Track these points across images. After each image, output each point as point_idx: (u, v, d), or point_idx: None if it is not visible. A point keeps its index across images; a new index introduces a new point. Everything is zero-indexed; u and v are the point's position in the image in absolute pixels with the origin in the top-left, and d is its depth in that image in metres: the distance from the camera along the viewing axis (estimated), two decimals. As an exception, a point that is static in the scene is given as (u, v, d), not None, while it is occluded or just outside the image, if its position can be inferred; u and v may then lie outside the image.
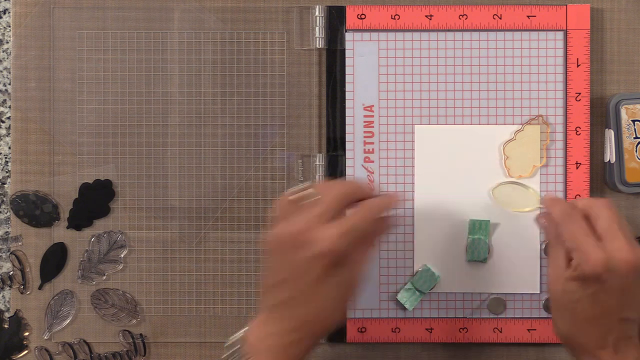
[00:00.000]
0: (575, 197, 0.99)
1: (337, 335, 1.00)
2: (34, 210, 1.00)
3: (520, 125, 0.99)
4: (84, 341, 1.01)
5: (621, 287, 0.85)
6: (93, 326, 1.01)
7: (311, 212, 0.84)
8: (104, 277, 1.01)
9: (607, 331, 0.86)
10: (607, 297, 0.85)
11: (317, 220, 0.84)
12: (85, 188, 1.01)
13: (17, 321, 1.01)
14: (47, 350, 1.01)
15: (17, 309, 1.01)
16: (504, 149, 0.99)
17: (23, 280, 1.01)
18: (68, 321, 1.01)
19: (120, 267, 1.00)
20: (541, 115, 0.99)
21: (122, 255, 1.00)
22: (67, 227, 1.01)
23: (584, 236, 0.85)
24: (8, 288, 1.01)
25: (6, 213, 1.01)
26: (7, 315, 1.01)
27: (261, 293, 0.87)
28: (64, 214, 1.01)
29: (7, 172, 1.01)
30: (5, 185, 1.01)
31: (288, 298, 0.84)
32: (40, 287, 1.01)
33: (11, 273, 1.01)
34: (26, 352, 1.01)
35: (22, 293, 1.01)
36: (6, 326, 1.01)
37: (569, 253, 0.87)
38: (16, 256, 1.01)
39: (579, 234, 0.85)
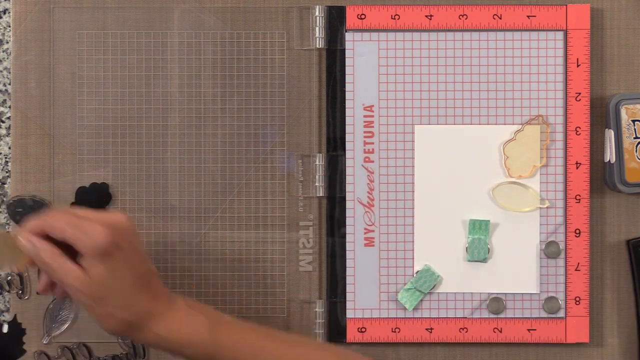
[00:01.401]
0: (576, 197, 0.99)
1: (337, 335, 1.00)
2: (31, 214, 1.00)
3: (520, 125, 0.99)
4: (84, 344, 1.01)
5: None
6: (92, 329, 1.01)
7: None
8: (103, 279, 1.01)
9: None
10: None
11: None
12: (81, 192, 1.00)
13: (16, 326, 1.00)
14: (46, 354, 1.01)
15: (15, 314, 1.01)
16: (504, 149, 1.00)
17: (21, 284, 1.01)
18: (67, 325, 1.01)
19: (120, 267, 1.00)
20: (541, 115, 0.99)
21: (121, 256, 1.00)
22: (65, 230, 1.01)
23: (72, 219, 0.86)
24: (6, 293, 1.01)
25: (5, 213, 1.01)
26: (5, 320, 1.01)
27: None
28: (63, 215, 1.00)
29: (7, 172, 1.01)
30: (5, 186, 1.01)
31: None
32: (38, 292, 1.01)
33: (9, 278, 1.01)
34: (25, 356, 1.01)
35: (20, 298, 1.01)
36: (5, 331, 1.00)
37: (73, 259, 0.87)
38: (14, 260, 1.01)
39: (69, 218, 0.86)
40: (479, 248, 0.99)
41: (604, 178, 1.00)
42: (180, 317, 0.88)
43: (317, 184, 1.00)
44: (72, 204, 1.00)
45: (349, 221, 1.00)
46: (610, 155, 0.98)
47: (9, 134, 1.01)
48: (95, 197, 1.00)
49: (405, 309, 0.99)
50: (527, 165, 0.99)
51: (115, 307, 0.86)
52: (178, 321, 0.87)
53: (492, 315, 1.00)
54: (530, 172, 0.99)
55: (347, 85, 1.00)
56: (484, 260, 0.99)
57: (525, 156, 0.99)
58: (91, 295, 0.85)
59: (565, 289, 0.99)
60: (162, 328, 0.87)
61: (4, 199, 1.01)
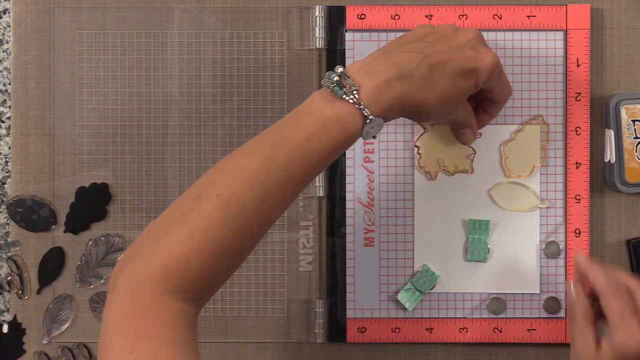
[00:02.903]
0: (576, 197, 0.99)
1: (337, 335, 1.00)
2: (31, 215, 1.00)
3: (520, 125, 0.99)
4: (84, 344, 1.01)
5: None
6: (92, 330, 1.01)
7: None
8: (102, 281, 1.01)
9: None
10: None
11: (482, 37, 0.89)
12: (81, 192, 1.00)
13: (16, 326, 1.00)
14: (46, 355, 1.01)
15: (15, 314, 1.01)
16: (503, 149, 0.99)
17: (21, 285, 1.01)
18: (67, 325, 1.01)
19: (119, 269, 1.00)
20: (541, 116, 0.99)
21: (119, 259, 1.00)
22: (65, 231, 1.01)
23: (631, 312, 0.85)
24: (6, 293, 1.01)
25: (5, 213, 1.01)
26: (5, 320, 1.01)
27: (383, 48, 0.87)
28: (62, 218, 1.00)
29: (7, 172, 1.01)
30: (5, 186, 1.01)
31: (422, 50, 0.86)
32: (38, 292, 1.01)
33: (9, 278, 1.01)
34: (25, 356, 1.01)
35: (20, 298, 1.01)
36: (5, 331, 1.00)
37: (596, 332, 0.87)
38: (14, 261, 1.00)
39: (626, 310, 0.85)
40: (479, 248, 0.99)
41: (604, 178, 1.00)
42: None
43: (317, 184, 1.00)
44: (72, 204, 1.00)
45: (348, 221, 1.00)
46: (610, 155, 0.98)
47: (9, 134, 1.01)
48: (95, 197, 1.00)
49: (405, 309, 0.99)
50: (526, 166, 0.99)
51: None
52: None
53: (492, 315, 1.00)
54: (530, 172, 0.99)
55: (347, 85, 1.00)
56: (484, 260, 0.99)
57: (525, 156, 0.99)
58: None
59: (565, 289, 0.99)
60: None
61: (4, 199, 1.01)
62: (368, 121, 0.82)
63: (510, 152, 0.99)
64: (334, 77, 0.82)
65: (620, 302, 0.85)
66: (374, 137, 0.88)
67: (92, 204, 1.00)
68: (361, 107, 0.82)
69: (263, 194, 0.80)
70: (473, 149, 0.99)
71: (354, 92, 0.82)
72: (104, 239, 1.00)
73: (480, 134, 0.98)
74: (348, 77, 0.83)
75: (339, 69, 0.83)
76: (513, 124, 1.00)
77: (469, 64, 0.86)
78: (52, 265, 1.01)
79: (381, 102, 0.83)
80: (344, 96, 0.82)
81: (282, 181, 0.81)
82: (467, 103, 0.92)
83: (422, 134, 0.99)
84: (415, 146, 0.99)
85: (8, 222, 1.01)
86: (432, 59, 0.85)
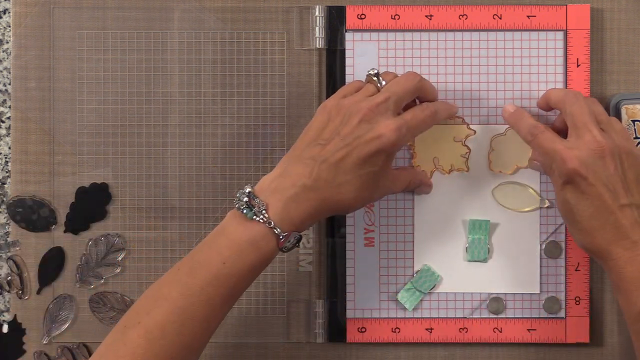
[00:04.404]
0: None
1: (337, 335, 1.00)
2: (31, 215, 1.00)
3: (520, 125, 0.99)
4: (84, 344, 1.01)
5: (605, 176, 0.87)
6: (92, 329, 1.01)
7: (374, 98, 0.88)
8: (102, 281, 1.01)
9: (613, 224, 0.87)
10: (596, 190, 0.87)
11: (377, 107, 0.87)
12: (81, 192, 1.00)
13: (16, 326, 1.00)
14: (46, 355, 1.01)
15: (15, 314, 1.01)
16: (491, 141, 0.99)
17: (21, 285, 1.01)
18: (67, 325, 1.01)
19: (118, 270, 1.00)
20: (538, 118, 0.99)
21: (119, 259, 1.00)
22: (65, 231, 1.01)
23: (555, 144, 0.88)
24: (6, 293, 1.01)
25: (5, 213, 1.01)
26: (5, 320, 1.01)
27: (292, 148, 0.88)
28: (62, 218, 1.00)
29: (7, 172, 1.01)
30: (5, 186, 1.01)
31: (316, 157, 0.85)
32: (38, 292, 1.01)
33: (9, 278, 1.01)
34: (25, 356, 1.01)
35: (20, 298, 1.01)
36: (5, 331, 1.00)
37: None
38: (14, 261, 1.00)
39: (589, 115, 0.89)
40: (479, 248, 0.99)
41: (604, 178, 1.00)
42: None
43: (317, 184, 1.00)
44: (72, 204, 1.00)
45: (349, 221, 1.00)
46: (610, 155, 0.98)
47: (9, 134, 1.01)
48: (95, 197, 1.00)
49: (405, 309, 0.99)
50: (509, 163, 0.99)
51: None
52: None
53: (492, 315, 1.00)
54: (512, 170, 0.99)
55: (347, 85, 1.00)
56: (484, 260, 0.99)
57: (511, 153, 0.99)
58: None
59: (565, 289, 0.99)
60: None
61: (4, 199, 1.01)
62: (281, 239, 0.83)
63: (497, 146, 0.99)
64: (243, 198, 0.84)
65: (583, 108, 0.89)
66: (299, 246, 0.88)
67: (92, 204, 1.00)
68: (272, 226, 0.82)
69: (183, 319, 0.83)
70: (468, 147, 0.99)
71: (263, 211, 0.83)
72: (104, 239, 1.00)
73: (475, 131, 0.99)
74: (256, 197, 0.84)
75: (247, 189, 0.84)
76: (513, 124, 1.00)
77: (368, 149, 0.86)
78: (52, 265, 1.01)
79: (292, 218, 0.84)
80: (254, 217, 0.83)
81: (202, 305, 0.83)
82: (392, 171, 0.92)
83: None
84: (410, 145, 0.99)
85: (8, 222, 1.01)
86: (331, 160, 0.85)
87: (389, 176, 0.91)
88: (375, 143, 0.86)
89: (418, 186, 0.97)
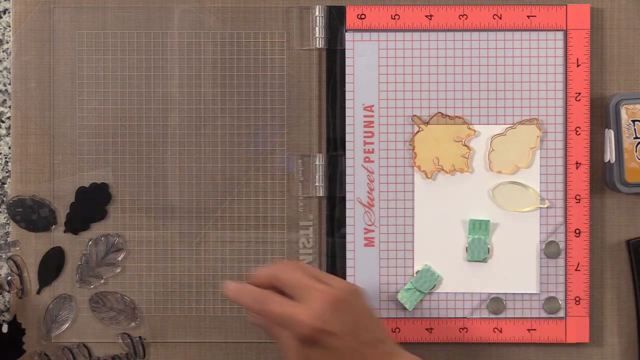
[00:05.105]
0: (576, 197, 0.99)
1: (337, 335, 1.00)
2: (30, 215, 1.00)
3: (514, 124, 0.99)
4: (84, 345, 1.01)
5: (344, 322, 0.86)
6: (92, 329, 1.01)
7: None
8: (102, 281, 1.01)
9: None
10: (340, 340, 0.85)
11: None
12: (81, 192, 1.00)
13: (16, 326, 1.00)
14: (46, 355, 1.01)
15: (15, 314, 1.01)
16: (491, 141, 0.99)
17: (21, 285, 1.01)
18: (67, 325, 1.01)
19: (118, 270, 1.00)
20: (536, 119, 0.99)
21: (119, 259, 1.00)
22: (65, 231, 1.01)
23: (286, 307, 0.86)
24: (6, 293, 1.01)
25: (5, 213, 1.01)
26: (5, 320, 1.01)
27: None
28: (62, 218, 1.00)
29: (7, 172, 1.01)
30: (5, 186, 1.01)
31: None
32: (38, 292, 1.01)
33: (9, 278, 1.01)
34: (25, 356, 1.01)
35: (20, 298, 1.01)
36: (5, 331, 1.00)
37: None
38: (14, 261, 1.00)
39: (304, 277, 0.87)
40: (479, 248, 0.99)
41: (604, 178, 1.00)
42: None
43: (317, 184, 1.00)
44: (72, 204, 1.00)
45: (349, 221, 1.00)
46: (610, 155, 0.98)
47: (9, 134, 1.01)
48: (95, 197, 1.00)
49: (405, 309, 0.99)
50: (509, 163, 0.99)
51: None
52: None
53: (492, 315, 1.00)
54: (511, 170, 0.99)
55: (347, 85, 1.00)
56: (484, 260, 0.99)
57: (511, 153, 0.99)
58: None
59: (565, 289, 0.99)
60: None
61: (4, 199, 1.01)
62: None
63: (497, 145, 0.99)
64: None
65: (297, 272, 0.87)
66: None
67: (92, 204, 1.00)
68: None
69: None
70: (469, 147, 0.99)
71: None
72: (104, 239, 1.00)
73: (475, 131, 0.99)
74: None
75: None
76: (513, 124, 0.99)
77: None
78: (52, 265, 1.01)
79: None
80: None
81: None
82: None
83: (417, 133, 0.99)
84: (411, 145, 0.99)
85: (8, 222, 1.01)
86: None
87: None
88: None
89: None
